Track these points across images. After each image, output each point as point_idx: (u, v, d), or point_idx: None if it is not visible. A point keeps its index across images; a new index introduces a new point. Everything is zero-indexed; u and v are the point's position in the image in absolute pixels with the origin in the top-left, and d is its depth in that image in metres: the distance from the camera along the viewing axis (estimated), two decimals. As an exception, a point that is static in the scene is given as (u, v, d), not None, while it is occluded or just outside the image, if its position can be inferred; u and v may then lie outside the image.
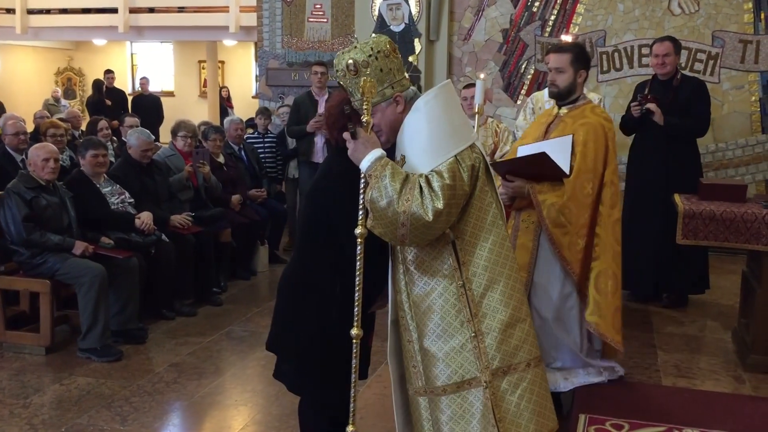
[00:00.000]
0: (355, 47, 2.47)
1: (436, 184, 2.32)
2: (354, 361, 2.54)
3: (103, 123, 7.34)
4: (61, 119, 7.59)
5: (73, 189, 5.00)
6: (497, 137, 5.17)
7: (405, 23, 8.26)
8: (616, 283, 3.64)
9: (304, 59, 9.05)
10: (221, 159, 6.69)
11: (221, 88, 15.59)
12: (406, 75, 2.52)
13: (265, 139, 7.82)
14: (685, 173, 5.37)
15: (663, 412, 3.70)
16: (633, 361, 4.59)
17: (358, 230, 2.43)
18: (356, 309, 2.50)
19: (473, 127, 3.88)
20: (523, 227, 3.65)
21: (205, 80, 16.42)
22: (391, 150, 2.53)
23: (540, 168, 3.49)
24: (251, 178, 7.14)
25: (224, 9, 12.84)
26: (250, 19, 11.31)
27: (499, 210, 2.49)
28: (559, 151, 3.45)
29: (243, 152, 7.29)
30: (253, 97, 15.25)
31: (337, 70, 2.51)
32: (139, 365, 4.56)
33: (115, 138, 7.76)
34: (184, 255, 5.53)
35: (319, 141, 7.04)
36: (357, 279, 2.47)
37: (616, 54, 7.80)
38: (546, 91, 5.18)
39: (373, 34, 2.58)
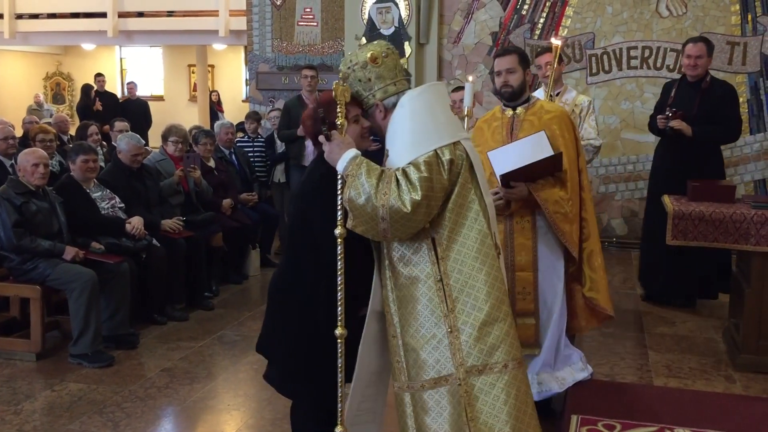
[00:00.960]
0: (345, 58, 2.62)
1: (413, 176, 2.37)
2: (339, 360, 2.55)
3: (93, 128, 7.30)
4: (48, 124, 7.56)
5: (63, 194, 4.98)
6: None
7: (395, 26, 8.28)
8: (602, 259, 3.78)
9: (294, 63, 9.05)
10: (212, 163, 6.68)
11: (211, 92, 15.56)
12: (396, 80, 2.56)
13: (255, 143, 7.81)
14: (708, 176, 5.26)
15: (654, 412, 3.71)
16: (624, 361, 4.61)
17: (337, 231, 2.48)
18: (339, 309, 2.52)
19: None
20: (518, 228, 3.68)
21: (195, 84, 16.37)
22: None
23: (547, 168, 3.53)
24: (242, 182, 7.13)
25: (214, 13, 12.81)
26: (240, 23, 11.29)
27: (482, 208, 2.50)
28: (537, 147, 3.51)
29: (234, 156, 7.28)
30: (243, 101, 15.23)
31: None
32: (130, 370, 4.54)
33: (105, 143, 7.73)
34: (175, 259, 5.51)
35: (310, 145, 7.02)
36: (339, 279, 2.50)
37: (605, 56, 7.85)
38: (537, 92, 5.19)
39: (376, 41, 2.67)
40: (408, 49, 8.21)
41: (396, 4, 8.32)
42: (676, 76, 6.74)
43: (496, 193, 3.50)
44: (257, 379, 4.30)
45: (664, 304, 5.74)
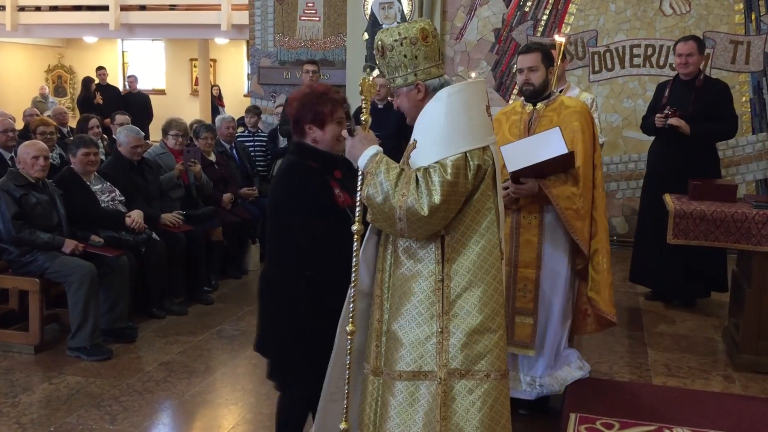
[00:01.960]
0: (388, 29, 2.48)
1: (436, 178, 2.31)
2: (347, 357, 2.54)
3: (94, 121, 7.30)
4: (48, 116, 7.55)
5: (62, 187, 4.97)
6: None
7: (397, 22, 8.25)
8: (608, 260, 3.72)
9: (296, 58, 9.03)
10: (212, 157, 6.67)
11: (212, 87, 15.54)
12: (438, 63, 2.48)
13: (256, 138, 7.80)
14: (704, 175, 5.25)
15: (653, 411, 3.70)
16: (623, 360, 4.60)
17: (354, 227, 2.47)
18: (351, 306, 2.51)
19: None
20: (525, 223, 3.65)
21: (196, 78, 16.35)
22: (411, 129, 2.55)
23: (559, 165, 3.50)
24: (242, 177, 7.12)
25: (216, 7, 12.80)
26: (242, 18, 11.28)
27: (496, 217, 2.46)
28: (551, 144, 3.47)
29: (234, 151, 7.27)
30: (244, 96, 15.21)
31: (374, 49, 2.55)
32: (128, 364, 4.54)
33: (105, 136, 7.72)
34: (174, 253, 5.50)
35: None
36: (353, 276, 2.49)
37: (607, 54, 7.82)
38: None
39: (418, 17, 2.59)
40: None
41: (398, 0, 8.30)
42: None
43: (506, 188, 3.47)
44: (255, 374, 4.30)
45: (664, 303, 5.73)
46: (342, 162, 2.74)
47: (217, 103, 15.11)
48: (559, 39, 4.47)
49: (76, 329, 4.60)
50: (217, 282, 6.24)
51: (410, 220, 2.32)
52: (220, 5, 12.69)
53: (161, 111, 12.06)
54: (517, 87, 3.84)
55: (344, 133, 2.53)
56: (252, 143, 7.72)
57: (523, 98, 3.76)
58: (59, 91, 17.34)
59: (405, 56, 2.42)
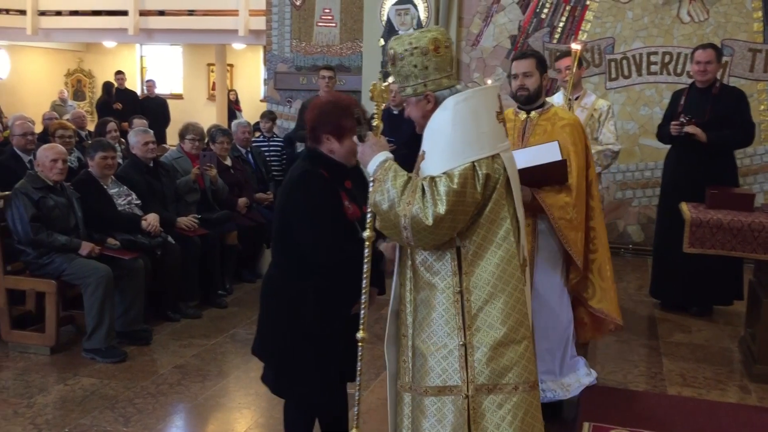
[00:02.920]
0: (401, 37, 2.45)
1: (442, 188, 2.28)
2: (359, 364, 2.54)
3: (111, 125, 7.36)
4: (66, 120, 7.62)
5: (80, 190, 5.02)
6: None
7: (413, 28, 8.26)
8: (611, 267, 3.75)
9: (313, 63, 9.07)
10: (228, 162, 6.71)
11: (229, 92, 15.63)
12: (450, 74, 2.45)
13: (271, 143, 7.83)
14: (721, 184, 5.20)
15: (667, 422, 3.68)
16: (638, 369, 4.57)
17: (366, 233, 2.46)
18: (363, 312, 2.51)
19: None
20: None
21: (213, 83, 16.46)
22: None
23: (552, 175, 3.50)
24: (258, 182, 7.15)
25: (234, 13, 12.87)
26: (260, 23, 11.33)
27: (513, 227, 2.41)
28: (548, 156, 3.48)
29: (250, 155, 7.31)
30: (261, 101, 15.28)
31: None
32: (143, 366, 4.57)
33: (123, 140, 7.79)
34: (189, 257, 5.54)
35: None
36: (364, 283, 2.48)
37: (624, 61, 7.79)
38: (557, 95, 5.17)
39: (434, 27, 2.57)
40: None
41: (415, 6, 8.32)
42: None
43: None
44: (268, 378, 4.31)
45: (679, 312, 5.69)
46: (353, 172, 2.74)
47: (234, 107, 15.20)
48: (576, 46, 4.46)
49: (91, 331, 4.64)
50: (232, 286, 6.27)
51: (415, 229, 2.30)
52: (237, 11, 12.75)
53: (179, 115, 12.15)
54: (509, 93, 3.83)
55: (355, 138, 2.53)
56: (267, 148, 7.75)
57: (516, 106, 3.77)
58: (78, 95, 17.50)
59: (415, 66, 2.39)
